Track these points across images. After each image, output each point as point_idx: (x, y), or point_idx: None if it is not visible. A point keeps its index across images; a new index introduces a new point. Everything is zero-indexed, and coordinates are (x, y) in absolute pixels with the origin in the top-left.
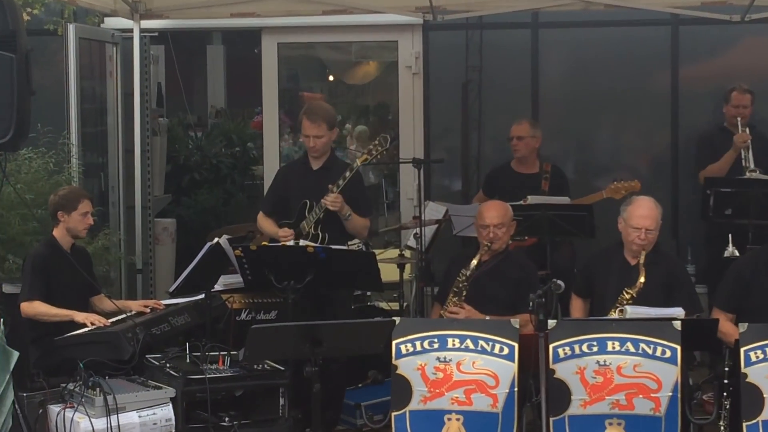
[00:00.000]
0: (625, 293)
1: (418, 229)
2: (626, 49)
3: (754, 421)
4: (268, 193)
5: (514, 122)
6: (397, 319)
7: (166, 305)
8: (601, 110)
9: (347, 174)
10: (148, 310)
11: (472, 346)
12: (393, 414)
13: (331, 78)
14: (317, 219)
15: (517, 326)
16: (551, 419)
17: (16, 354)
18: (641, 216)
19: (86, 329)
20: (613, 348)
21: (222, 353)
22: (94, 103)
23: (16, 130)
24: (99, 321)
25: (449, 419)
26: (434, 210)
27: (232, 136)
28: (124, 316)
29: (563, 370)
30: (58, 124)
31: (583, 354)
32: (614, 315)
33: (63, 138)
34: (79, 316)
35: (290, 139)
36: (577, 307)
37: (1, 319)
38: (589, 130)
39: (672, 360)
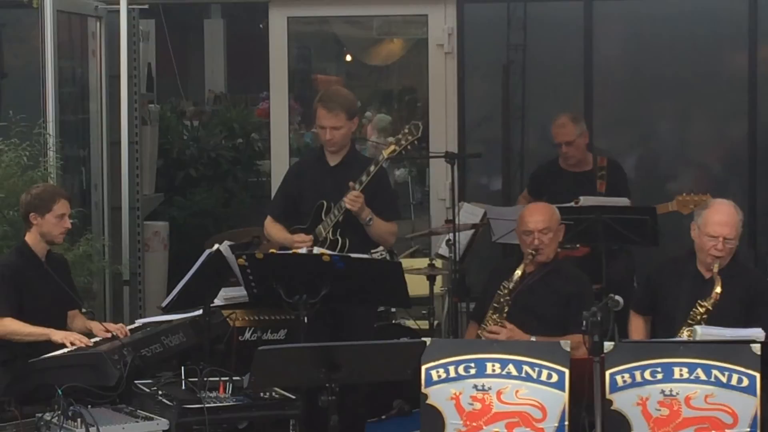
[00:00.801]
0: (698, 306)
1: (450, 235)
2: (696, 25)
3: None
4: (277, 193)
5: (552, 123)
6: (427, 340)
7: (159, 322)
8: (665, 97)
9: (372, 169)
10: (108, 335)
11: (515, 372)
12: None
13: (348, 58)
14: (335, 222)
15: (568, 349)
16: None
17: None
18: (719, 223)
19: (65, 350)
20: (681, 375)
21: (223, 379)
22: (74, 86)
23: None
24: (80, 341)
25: None
26: (470, 213)
27: (234, 126)
28: (109, 335)
29: (622, 401)
30: (33, 111)
31: (645, 382)
32: (683, 336)
33: (38, 127)
34: (57, 335)
35: (302, 128)
36: (638, 327)
37: None
38: (651, 121)
39: (750, 390)
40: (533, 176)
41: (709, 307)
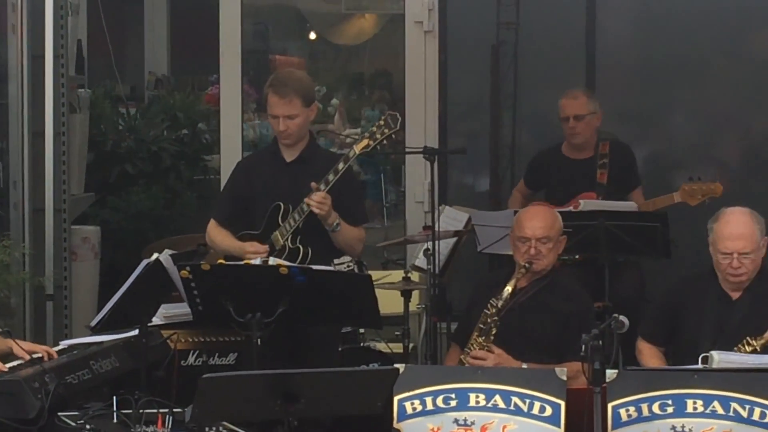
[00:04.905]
0: (745, 345)
1: (429, 244)
2: (714, 0)
3: None
4: (222, 193)
5: (563, 96)
6: (401, 367)
7: (87, 344)
8: (679, 82)
9: (340, 166)
10: (27, 357)
11: (502, 405)
12: None
13: (312, 36)
14: (296, 228)
15: (565, 378)
16: None
17: None
18: (731, 236)
19: None
20: (695, 409)
21: (162, 411)
22: None
23: None
24: None
25: None
26: (452, 218)
27: (178, 114)
28: (28, 358)
29: None
30: None
31: (653, 417)
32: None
33: None
34: None
35: (256, 118)
36: (651, 356)
37: None
38: (663, 110)
39: None
40: (532, 164)
41: (758, 348)
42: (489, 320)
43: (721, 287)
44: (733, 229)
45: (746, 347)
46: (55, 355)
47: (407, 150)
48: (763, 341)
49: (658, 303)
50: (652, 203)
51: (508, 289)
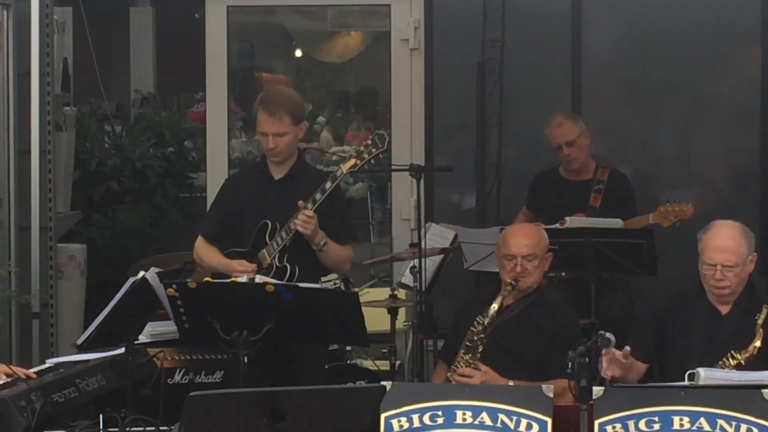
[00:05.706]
0: (729, 358)
1: (416, 261)
2: (700, 18)
3: None
4: (210, 211)
5: (547, 125)
6: (388, 384)
7: (73, 362)
8: (665, 100)
9: (328, 185)
10: (3, 376)
11: (489, 422)
12: None
13: (298, 54)
14: (283, 247)
15: (551, 395)
16: None
17: None
18: (717, 248)
19: None
20: (681, 426)
21: (148, 429)
22: None
23: None
24: None
25: None
26: (438, 235)
27: (164, 132)
28: (14, 377)
29: None
30: None
31: None
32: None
33: None
34: None
35: (243, 136)
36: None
37: None
38: (648, 127)
39: None
40: (531, 186)
41: (742, 362)
42: (475, 338)
43: (710, 302)
44: (720, 241)
45: (731, 360)
46: (34, 377)
47: (393, 167)
48: (747, 355)
49: (646, 319)
50: (630, 224)
51: (495, 306)
